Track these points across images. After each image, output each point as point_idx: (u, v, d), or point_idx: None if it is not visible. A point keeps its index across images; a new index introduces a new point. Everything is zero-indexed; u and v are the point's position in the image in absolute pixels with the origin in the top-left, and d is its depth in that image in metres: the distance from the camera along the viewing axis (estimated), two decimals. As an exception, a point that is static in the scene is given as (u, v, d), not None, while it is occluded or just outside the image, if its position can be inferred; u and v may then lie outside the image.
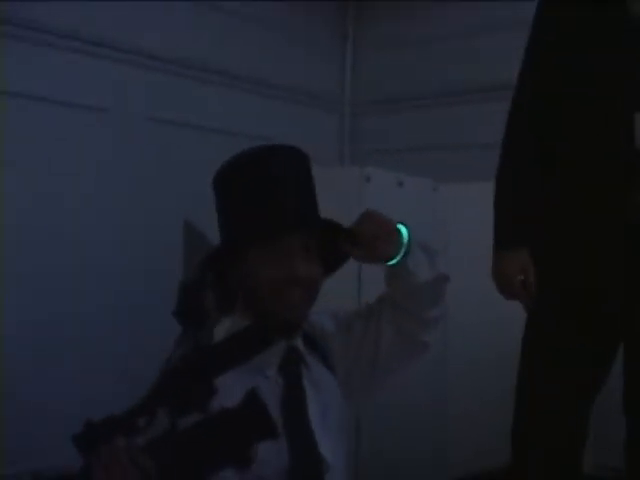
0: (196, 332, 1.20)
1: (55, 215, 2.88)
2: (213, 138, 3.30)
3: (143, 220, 3.12)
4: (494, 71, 3.33)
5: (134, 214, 3.11)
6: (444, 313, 1.49)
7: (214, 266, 1.36)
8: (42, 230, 2.83)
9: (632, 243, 1.77)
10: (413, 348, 1.49)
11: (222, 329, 1.36)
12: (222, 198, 1.43)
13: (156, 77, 3.22)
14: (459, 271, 2.62)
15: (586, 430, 1.87)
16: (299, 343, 1.43)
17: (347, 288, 2.70)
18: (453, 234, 2.97)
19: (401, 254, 1.39)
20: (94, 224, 2.99)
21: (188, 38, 3.32)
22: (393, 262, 1.40)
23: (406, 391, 2.57)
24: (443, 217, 3.04)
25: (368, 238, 1.38)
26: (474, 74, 3.50)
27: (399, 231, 1.40)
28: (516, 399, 1.90)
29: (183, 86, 3.31)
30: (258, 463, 1.12)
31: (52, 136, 2.86)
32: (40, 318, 2.78)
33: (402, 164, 3.25)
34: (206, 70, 3.39)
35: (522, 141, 1.91)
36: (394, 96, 3.76)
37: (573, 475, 1.86)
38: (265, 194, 1.38)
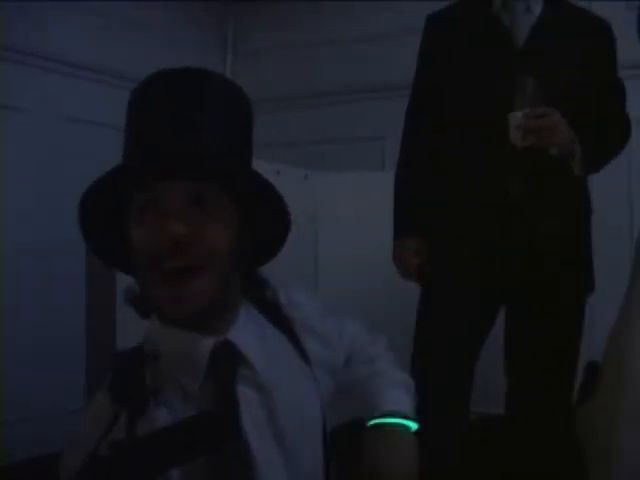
0: (136, 417, 0.92)
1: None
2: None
3: (47, 219, 3.18)
4: (360, 74, 3.78)
5: (37, 213, 3.18)
6: None
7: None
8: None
9: (511, 220, 1.98)
10: None
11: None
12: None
13: (69, 80, 3.31)
14: (329, 247, 3.08)
15: (473, 371, 2.08)
16: (238, 330, 1.06)
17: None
18: (321, 217, 3.31)
19: None
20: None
21: (80, 41, 3.39)
22: None
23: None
24: (313, 202, 3.37)
25: None
26: (342, 77, 3.90)
27: None
28: (413, 358, 2.05)
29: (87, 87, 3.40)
30: None
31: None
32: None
33: (279, 157, 3.58)
34: (109, 74, 3.49)
35: (417, 141, 2.13)
36: (269, 96, 4.01)
37: (462, 416, 2.09)
38: (141, 120, 1.03)
